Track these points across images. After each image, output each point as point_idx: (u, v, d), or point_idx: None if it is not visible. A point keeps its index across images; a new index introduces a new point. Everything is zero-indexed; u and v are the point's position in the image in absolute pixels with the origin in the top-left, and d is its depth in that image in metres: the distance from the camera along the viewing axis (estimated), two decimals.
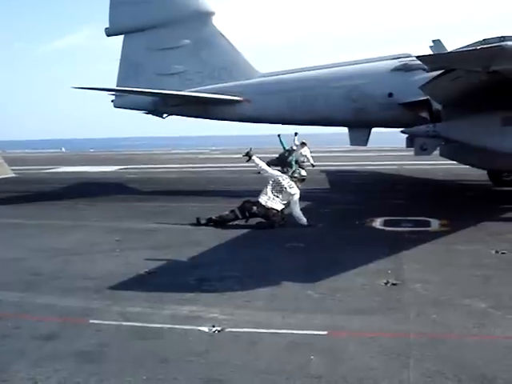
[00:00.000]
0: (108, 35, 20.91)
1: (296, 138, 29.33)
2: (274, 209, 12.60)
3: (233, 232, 12.06)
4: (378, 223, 12.84)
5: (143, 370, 5.42)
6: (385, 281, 8.21)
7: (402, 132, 16.57)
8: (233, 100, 19.39)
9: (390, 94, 17.68)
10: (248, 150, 13.65)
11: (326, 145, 48.64)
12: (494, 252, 9.89)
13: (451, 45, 15.79)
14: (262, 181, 13.93)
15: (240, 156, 14.52)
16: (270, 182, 12.94)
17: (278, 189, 12.79)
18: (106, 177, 26.68)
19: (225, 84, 19.83)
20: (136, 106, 20.94)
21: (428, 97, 15.96)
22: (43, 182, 24.54)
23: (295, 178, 13.18)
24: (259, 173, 14.10)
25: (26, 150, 64.41)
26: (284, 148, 26.10)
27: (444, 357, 5.58)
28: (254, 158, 13.50)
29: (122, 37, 21.00)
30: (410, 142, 17.04)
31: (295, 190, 12.85)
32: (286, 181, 12.92)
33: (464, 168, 19.02)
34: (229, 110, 19.65)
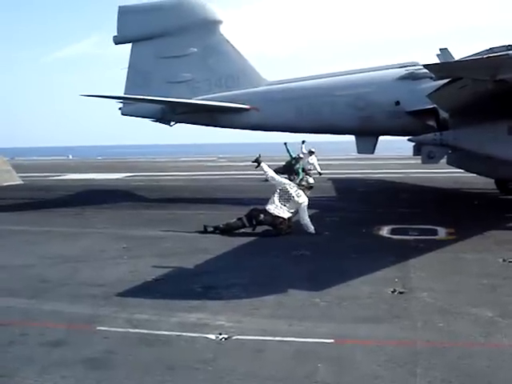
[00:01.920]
0: (116, 43, 21.02)
1: (303, 146, 29.39)
2: (280, 217, 12.61)
3: (240, 240, 12.07)
4: (384, 231, 12.83)
5: (150, 378, 5.43)
6: (392, 289, 8.20)
7: (409, 140, 16.57)
8: (240, 108, 19.44)
9: (397, 103, 17.71)
10: (257, 156, 13.69)
11: (332, 153, 48.59)
12: (501, 260, 9.87)
13: (458, 53, 15.84)
14: (269, 189, 13.95)
15: (247, 164, 14.56)
16: (278, 190, 12.95)
17: (286, 197, 12.80)
18: (112, 184, 26.74)
19: (232, 92, 19.90)
20: (144, 113, 21.02)
21: (435, 105, 15.98)
22: (50, 189, 24.62)
23: (303, 185, 13.19)
24: (267, 180, 14.12)
25: (34, 157, 64.56)
26: (291, 156, 26.14)
27: (451, 365, 5.57)
28: (262, 164, 13.53)
29: (129, 45, 21.13)
30: (417, 150, 17.03)
31: (303, 199, 12.85)
32: (293, 189, 12.92)
33: (471, 176, 18.99)
34: (236, 117, 19.70)
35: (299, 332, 6.56)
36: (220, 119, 20.16)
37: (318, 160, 29.10)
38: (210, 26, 20.43)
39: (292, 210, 12.78)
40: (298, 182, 13.69)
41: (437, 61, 15.97)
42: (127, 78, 20.96)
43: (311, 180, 13.73)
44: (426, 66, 11.51)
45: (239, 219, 12.88)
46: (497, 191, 19.28)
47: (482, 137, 13.46)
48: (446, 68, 11.73)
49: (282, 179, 13.59)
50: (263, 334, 6.53)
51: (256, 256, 10.71)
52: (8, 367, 5.75)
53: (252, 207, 13.09)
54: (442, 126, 15.94)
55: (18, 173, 29.21)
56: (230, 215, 13.51)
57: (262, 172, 13.75)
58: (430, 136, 14.98)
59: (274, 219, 12.60)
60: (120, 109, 21.28)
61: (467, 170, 17.37)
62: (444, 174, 25.02)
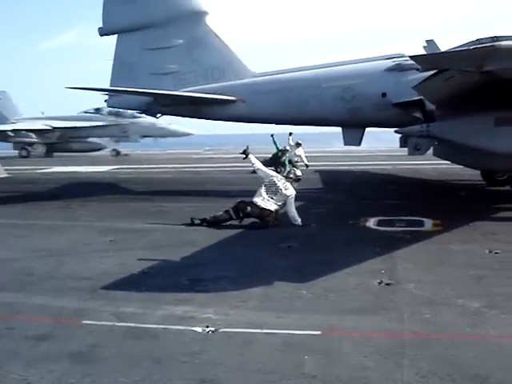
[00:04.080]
0: (101, 35, 20.85)
1: (290, 138, 29.36)
2: (267, 209, 12.58)
3: (227, 232, 12.04)
4: (371, 223, 12.84)
5: (137, 371, 5.40)
6: (378, 280, 8.21)
7: (395, 132, 16.59)
8: (227, 100, 19.36)
9: (384, 94, 17.69)
10: (245, 147, 13.63)
11: (320, 144, 48.59)
12: (487, 252, 9.91)
13: (444, 45, 15.84)
14: (256, 181, 13.92)
15: (233, 156, 14.52)
16: (265, 183, 12.91)
17: (273, 190, 12.75)
18: (99, 177, 26.62)
19: (219, 84, 19.80)
20: (130, 105, 20.96)
21: (421, 97, 15.99)
22: (36, 182, 24.47)
23: (291, 178, 13.17)
24: (254, 172, 14.05)
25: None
26: (277, 148, 26.09)
27: (438, 356, 5.59)
28: (250, 156, 13.47)
29: (115, 36, 20.96)
30: (404, 142, 17.05)
31: (291, 191, 12.82)
32: (281, 182, 12.88)
33: (457, 168, 19.06)
34: (223, 109, 19.62)
35: (286, 324, 6.56)
36: (206, 111, 20.07)
37: (304, 152, 29.10)
38: (196, 17, 20.29)
39: (279, 203, 12.75)
40: (285, 174, 13.64)
41: (423, 52, 15.96)
42: (113, 69, 20.79)
43: (298, 172, 13.72)
44: (412, 58, 11.50)
45: (226, 212, 12.84)
46: (483, 183, 19.37)
47: (468, 128, 13.48)
48: (432, 59, 11.73)
49: (269, 171, 13.55)
50: (250, 326, 6.52)
51: (243, 248, 10.70)
52: None
53: (239, 199, 13.05)
54: (429, 117, 15.94)
55: (3, 166, 28.98)
56: (217, 207, 13.48)
57: (250, 164, 13.72)
58: (416, 128, 14.99)
59: (261, 211, 12.57)
60: (106, 101, 21.16)
61: (454, 162, 17.40)
62: (430, 165, 25.11)
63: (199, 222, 12.88)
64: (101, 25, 20.65)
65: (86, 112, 46.99)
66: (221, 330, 6.42)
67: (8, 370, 5.50)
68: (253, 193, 13.02)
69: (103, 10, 20.50)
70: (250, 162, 13.49)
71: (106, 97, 21.12)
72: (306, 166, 27.67)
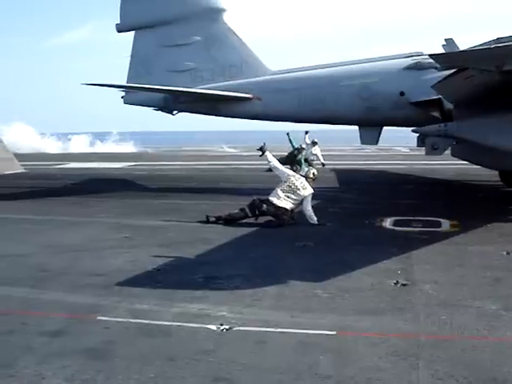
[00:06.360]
0: (119, 31, 20.93)
1: (307, 136, 29.29)
2: (283, 207, 12.53)
3: (242, 230, 12.02)
4: (387, 223, 12.77)
5: (151, 368, 5.39)
6: (394, 281, 8.15)
7: (413, 131, 16.45)
8: (243, 97, 19.35)
9: (402, 93, 17.60)
10: (262, 144, 13.52)
11: (335, 142, 48.43)
12: (505, 253, 9.81)
13: (464, 41, 15.71)
14: (272, 179, 13.88)
15: (250, 154, 14.47)
16: (283, 181, 12.84)
17: (291, 189, 12.64)
18: (115, 173, 26.69)
19: (235, 81, 19.79)
20: (146, 102, 20.96)
21: (440, 96, 15.87)
22: (52, 177, 24.59)
23: (311, 178, 13.08)
24: (270, 170, 13.97)
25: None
26: (293, 146, 25.98)
27: (454, 358, 5.52)
28: (266, 153, 13.34)
29: (132, 32, 21.02)
30: (421, 142, 16.94)
31: (309, 191, 12.71)
32: (299, 181, 12.79)
33: (475, 168, 18.89)
34: (239, 107, 19.61)
35: (301, 323, 6.53)
36: (222, 108, 20.08)
37: (321, 150, 29.01)
38: (214, 14, 20.29)
39: (296, 202, 12.69)
40: (305, 174, 13.47)
41: (442, 51, 15.84)
42: (130, 66, 20.86)
43: (315, 171, 13.65)
44: (431, 56, 11.38)
45: (242, 209, 12.81)
46: (501, 183, 19.19)
47: (486, 128, 13.32)
48: (451, 58, 11.61)
49: (285, 170, 13.42)
50: (265, 325, 6.49)
51: (258, 247, 10.66)
52: (7, 356, 5.71)
53: (255, 197, 13.01)
54: (447, 117, 15.83)
55: (19, 161, 29.14)
56: (233, 205, 13.45)
57: (266, 161, 13.64)
58: (434, 127, 14.84)
59: (277, 210, 12.52)
60: (122, 97, 21.22)
61: (471, 162, 17.23)
62: (448, 165, 24.93)
63: (214, 219, 12.84)
64: (118, 21, 20.73)
65: None
66: (235, 329, 6.40)
67: (22, 365, 5.51)
68: (268, 191, 12.99)
69: (121, 6, 20.60)
70: (267, 159, 13.39)
71: (123, 93, 21.19)
72: (323, 164, 27.57)
